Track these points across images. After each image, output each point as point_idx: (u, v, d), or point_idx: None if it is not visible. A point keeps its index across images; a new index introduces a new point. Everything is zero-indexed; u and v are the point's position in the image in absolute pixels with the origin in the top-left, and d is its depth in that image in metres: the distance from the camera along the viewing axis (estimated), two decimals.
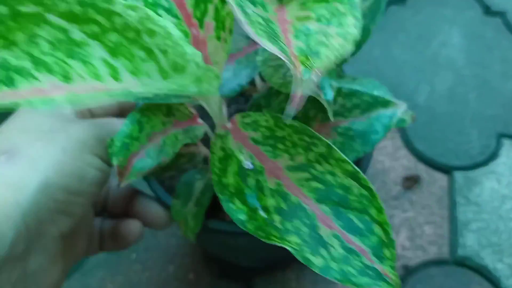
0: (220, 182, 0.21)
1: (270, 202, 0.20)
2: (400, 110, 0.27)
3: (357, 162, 0.28)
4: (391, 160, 0.48)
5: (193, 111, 0.25)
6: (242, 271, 0.41)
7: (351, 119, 0.27)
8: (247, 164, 0.21)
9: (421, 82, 0.55)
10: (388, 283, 0.19)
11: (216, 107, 0.22)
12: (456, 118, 0.51)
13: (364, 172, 0.29)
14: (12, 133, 0.23)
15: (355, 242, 0.19)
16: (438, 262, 0.42)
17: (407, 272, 0.41)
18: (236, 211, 0.20)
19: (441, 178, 0.47)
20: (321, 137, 0.20)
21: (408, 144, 0.49)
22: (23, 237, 0.20)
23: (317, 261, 0.19)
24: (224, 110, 0.23)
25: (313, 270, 0.19)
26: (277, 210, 0.20)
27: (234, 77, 0.25)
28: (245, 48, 0.26)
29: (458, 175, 0.47)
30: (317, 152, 0.20)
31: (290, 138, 0.21)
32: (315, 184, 0.20)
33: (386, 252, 0.19)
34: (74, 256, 0.26)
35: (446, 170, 0.47)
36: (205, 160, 0.28)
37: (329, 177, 0.20)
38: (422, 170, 0.48)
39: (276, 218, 0.20)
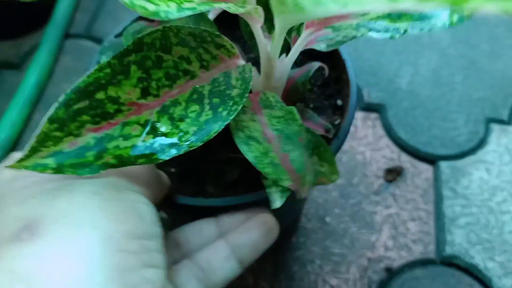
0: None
1: None
2: None
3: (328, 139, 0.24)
4: (372, 150, 0.44)
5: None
6: None
7: None
8: None
9: (403, 64, 0.50)
10: None
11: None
12: (441, 103, 0.47)
13: (337, 149, 0.25)
14: (9, 211, 0.16)
15: None
16: (424, 262, 0.38)
17: (391, 275, 0.37)
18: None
19: (426, 169, 0.43)
20: None
21: (391, 132, 0.45)
22: None
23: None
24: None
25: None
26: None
27: None
28: None
29: (444, 166, 0.43)
30: None
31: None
32: None
33: None
34: None
35: (432, 160, 0.43)
36: None
37: None
38: (405, 160, 0.44)
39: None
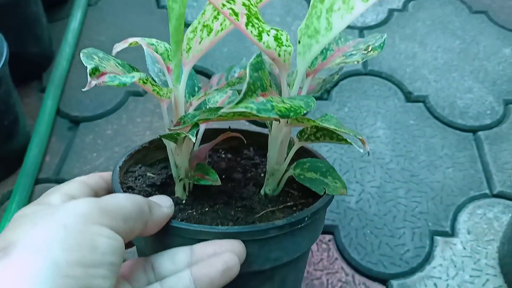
0: None
1: None
2: None
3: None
4: (328, 274, 0.47)
5: None
6: None
7: None
8: None
9: (351, 183, 0.54)
10: None
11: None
12: (388, 219, 0.51)
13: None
14: (5, 233, 0.22)
15: None
16: None
17: None
18: None
19: None
20: None
21: (344, 253, 0.48)
22: None
23: None
24: None
25: None
26: None
27: None
28: None
29: (396, 284, 0.46)
30: None
31: None
32: None
33: None
34: None
35: (383, 279, 0.46)
36: None
37: None
38: (360, 282, 0.46)
39: None
